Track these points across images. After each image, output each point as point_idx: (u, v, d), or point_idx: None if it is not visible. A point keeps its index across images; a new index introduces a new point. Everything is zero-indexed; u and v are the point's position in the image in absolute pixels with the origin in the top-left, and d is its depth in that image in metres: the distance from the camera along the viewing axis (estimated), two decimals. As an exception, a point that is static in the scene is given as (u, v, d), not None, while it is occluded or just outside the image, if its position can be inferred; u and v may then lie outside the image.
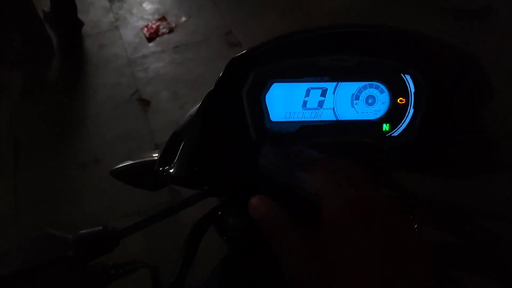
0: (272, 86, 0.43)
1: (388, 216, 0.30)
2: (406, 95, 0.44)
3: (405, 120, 0.44)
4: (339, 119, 0.45)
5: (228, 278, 0.47)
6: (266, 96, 0.43)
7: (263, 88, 0.43)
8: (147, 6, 2.66)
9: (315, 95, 0.44)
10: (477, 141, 0.42)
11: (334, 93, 0.44)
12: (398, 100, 0.44)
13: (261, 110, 0.44)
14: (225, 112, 0.42)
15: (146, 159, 0.57)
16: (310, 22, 2.45)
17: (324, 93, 0.44)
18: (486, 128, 0.40)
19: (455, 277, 0.45)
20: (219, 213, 0.51)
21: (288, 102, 0.44)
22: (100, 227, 0.39)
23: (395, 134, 0.45)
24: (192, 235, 0.48)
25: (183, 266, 0.45)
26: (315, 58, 0.42)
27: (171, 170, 0.40)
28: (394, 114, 0.44)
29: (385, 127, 0.45)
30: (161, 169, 0.42)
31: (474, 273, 0.41)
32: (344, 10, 2.49)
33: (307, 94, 0.44)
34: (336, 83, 0.44)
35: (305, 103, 0.45)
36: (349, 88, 0.44)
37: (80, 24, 2.48)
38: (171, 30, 2.48)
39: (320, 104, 0.45)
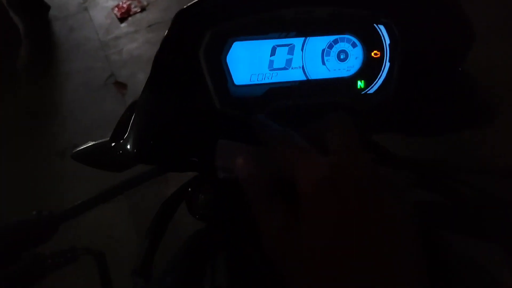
0: (233, 45, 0.39)
1: (368, 184, 0.27)
2: (380, 48, 0.40)
3: (381, 75, 0.41)
4: (310, 78, 0.41)
5: (198, 251, 0.43)
6: (227, 57, 0.39)
7: (223, 48, 0.39)
8: (116, -16, 2.54)
9: (282, 53, 0.40)
10: (457, 95, 0.38)
11: (302, 49, 0.40)
12: (373, 53, 0.40)
13: (222, 73, 0.39)
14: (181, 75, 0.37)
15: (105, 139, 0.53)
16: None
17: (291, 50, 0.40)
18: (467, 79, 0.37)
19: (443, 237, 0.43)
20: (189, 189, 0.47)
21: (253, 62, 0.40)
22: (34, 212, 0.35)
23: (371, 91, 0.41)
24: (159, 214, 0.44)
25: (150, 247, 0.42)
26: (279, 11, 0.38)
27: (124, 146, 0.36)
28: (368, 69, 0.41)
29: (360, 84, 0.41)
30: (113, 144, 0.38)
31: (462, 232, 0.39)
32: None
33: (273, 52, 0.40)
34: (304, 38, 0.40)
35: (271, 62, 0.40)
36: (318, 43, 0.40)
37: (46, 7, 2.36)
38: (143, 9, 2.37)
39: (288, 63, 0.40)
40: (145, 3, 2.40)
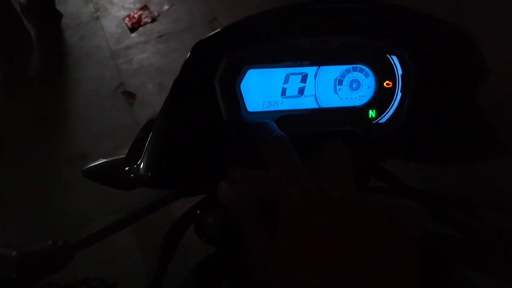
0: (247, 73, 0.39)
1: (352, 210, 0.27)
2: (393, 78, 0.40)
3: (392, 105, 0.41)
4: (322, 106, 0.41)
5: (205, 277, 0.43)
6: (241, 84, 0.40)
7: (238, 75, 0.39)
8: (128, -5, 2.58)
9: (295, 81, 0.41)
10: (471, 125, 0.38)
11: (315, 78, 0.41)
12: (385, 83, 0.41)
13: (236, 99, 0.40)
14: (196, 103, 0.38)
15: (119, 156, 0.53)
16: (297, 6, 2.39)
17: (304, 78, 0.40)
18: (481, 110, 0.37)
19: (458, 273, 0.42)
20: (198, 212, 0.47)
21: (266, 90, 0.41)
22: (49, 241, 0.35)
23: (382, 120, 0.42)
24: (168, 237, 0.45)
25: (159, 270, 0.42)
26: (293, 41, 0.38)
27: (137, 170, 0.37)
28: (380, 99, 0.41)
29: (371, 113, 0.42)
30: (127, 168, 0.38)
31: (476, 268, 0.39)
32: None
33: (286, 80, 0.40)
34: (317, 67, 0.40)
35: (284, 90, 0.41)
36: (331, 72, 0.41)
37: (58, 15, 2.39)
38: (153, 19, 2.40)
39: (301, 91, 0.41)
40: (156, 13, 2.43)
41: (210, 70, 0.37)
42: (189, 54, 0.34)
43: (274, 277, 0.27)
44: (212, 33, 0.33)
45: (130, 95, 2.07)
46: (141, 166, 0.36)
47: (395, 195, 0.45)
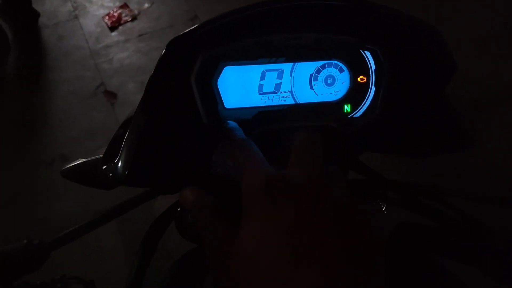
0: (223, 70, 0.40)
1: (317, 197, 0.27)
2: (366, 73, 0.41)
3: (366, 100, 0.42)
4: (298, 102, 0.42)
5: (187, 272, 0.44)
6: (218, 81, 0.40)
7: (214, 72, 0.39)
8: (107, -7, 2.53)
9: (271, 77, 0.41)
10: (442, 118, 0.40)
11: (291, 74, 0.41)
12: (359, 78, 0.42)
13: (213, 96, 0.40)
14: (172, 100, 0.38)
15: (98, 156, 0.53)
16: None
17: (280, 75, 0.41)
18: (450, 103, 0.38)
19: (429, 258, 0.44)
20: (178, 209, 0.47)
21: (243, 86, 0.41)
22: (24, 241, 0.35)
23: (357, 115, 0.43)
24: (149, 234, 0.45)
25: (139, 267, 0.42)
26: (268, 37, 0.39)
27: (114, 169, 0.36)
28: (355, 94, 0.42)
29: (346, 108, 0.42)
30: (104, 167, 0.38)
31: (446, 255, 0.40)
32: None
33: (263, 77, 0.41)
34: (292, 63, 0.41)
35: (261, 86, 0.41)
36: (306, 68, 0.41)
37: (35, 14, 2.34)
38: (134, 18, 2.37)
39: (277, 87, 0.42)
40: (136, 12, 2.40)
41: (186, 67, 0.37)
42: (163, 51, 0.34)
43: (234, 273, 0.26)
44: (186, 30, 0.34)
45: (111, 95, 2.04)
46: (118, 164, 0.36)
47: (370, 186, 0.46)
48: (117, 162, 0.36)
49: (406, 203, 0.44)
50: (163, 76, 0.36)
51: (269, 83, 0.41)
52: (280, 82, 0.41)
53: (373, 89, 0.41)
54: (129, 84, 2.08)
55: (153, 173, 0.38)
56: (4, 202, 1.71)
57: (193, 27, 0.34)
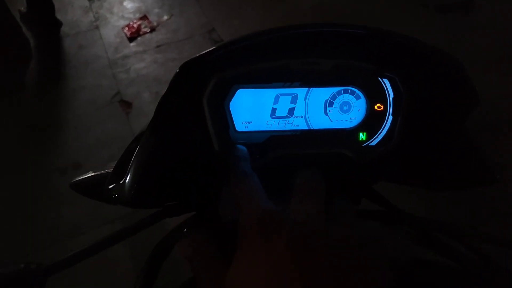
0: (236, 93, 0.39)
1: (313, 239, 0.26)
2: (384, 101, 0.40)
3: (383, 129, 0.40)
4: (311, 128, 0.41)
5: None
6: (230, 103, 0.39)
7: (227, 94, 0.39)
8: (128, 4, 2.59)
9: (285, 102, 0.40)
10: (461, 152, 0.38)
11: (305, 99, 0.40)
12: (376, 106, 0.40)
13: (224, 119, 0.39)
14: (183, 121, 0.37)
15: (109, 170, 0.52)
16: (296, 16, 2.41)
17: (294, 99, 0.40)
18: (472, 137, 0.36)
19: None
20: (185, 230, 0.46)
21: (255, 109, 0.40)
22: (21, 264, 0.34)
23: (373, 143, 0.41)
24: (153, 255, 0.44)
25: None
26: (285, 62, 0.38)
27: (121, 190, 0.36)
28: (371, 122, 0.40)
29: (362, 136, 0.41)
30: (110, 186, 0.38)
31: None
32: (327, 5, 2.46)
33: (276, 101, 0.40)
34: (308, 88, 0.40)
35: (273, 110, 0.40)
36: (322, 94, 0.40)
37: (58, 24, 2.40)
38: (152, 29, 2.42)
39: (291, 111, 0.40)
40: (155, 24, 2.45)
41: (199, 88, 0.37)
42: (176, 73, 0.34)
43: None
44: (201, 53, 0.33)
45: (126, 104, 2.07)
46: (125, 185, 0.35)
47: (384, 219, 0.44)
48: (123, 184, 0.35)
49: (421, 239, 0.42)
50: (174, 97, 0.35)
51: (283, 107, 0.40)
52: (294, 107, 0.40)
53: (390, 118, 0.40)
54: (144, 94, 2.10)
55: (160, 195, 0.37)
56: (15, 209, 1.72)
57: (208, 50, 0.33)
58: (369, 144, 0.41)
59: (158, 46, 2.33)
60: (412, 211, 0.44)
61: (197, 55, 0.33)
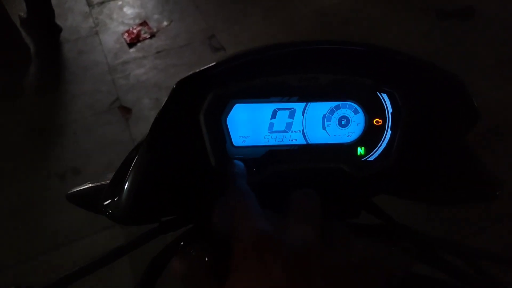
0: (234, 107, 0.39)
1: (308, 261, 0.26)
2: (382, 115, 0.40)
3: (381, 143, 0.40)
4: (309, 142, 0.41)
5: None
6: (228, 118, 0.39)
7: (224, 109, 0.38)
8: (128, 10, 2.60)
9: (283, 116, 0.40)
10: (461, 166, 0.37)
11: (303, 114, 0.40)
12: (374, 121, 0.40)
13: (221, 134, 0.39)
14: (180, 136, 0.37)
15: (104, 182, 0.52)
16: (295, 22, 2.42)
17: (292, 114, 0.40)
18: (471, 153, 0.36)
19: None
20: (182, 244, 0.45)
21: (253, 124, 0.40)
22: (12, 287, 0.34)
23: (371, 158, 0.41)
24: (149, 269, 0.43)
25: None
26: (282, 77, 0.38)
27: (115, 208, 0.35)
28: (369, 136, 0.40)
29: (360, 151, 0.41)
30: (104, 203, 0.37)
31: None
32: (328, 9, 2.47)
33: (274, 115, 0.40)
34: (305, 103, 0.39)
35: (271, 125, 0.40)
36: (320, 108, 0.40)
37: (58, 29, 2.41)
38: (152, 35, 2.42)
39: (288, 126, 0.40)
40: (154, 29, 2.45)
41: (195, 103, 0.36)
42: (172, 89, 0.33)
43: None
44: (197, 70, 0.33)
45: (126, 110, 2.06)
46: (120, 203, 0.35)
47: (383, 232, 0.44)
48: (118, 201, 0.35)
49: (420, 253, 0.41)
50: (171, 113, 0.35)
51: (280, 122, 0.40)
52: (292, 121, 0.40)
53: (389, 132, 0.40)
54: (144, 100, 2.10)
55: (154, 212, 0.37)
56: (13, 213, 1.72)
57: (205, 67, 0.33)
58: (368, 159, 0.41)
59: (158, 52, 2.33)
60: (412, 220, 0.43)
61: (195, 71, 0.33)
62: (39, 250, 1.58)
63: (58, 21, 2.41)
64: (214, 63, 0.34)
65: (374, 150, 0.40)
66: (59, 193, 1.75)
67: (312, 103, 0.39)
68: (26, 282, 0.34)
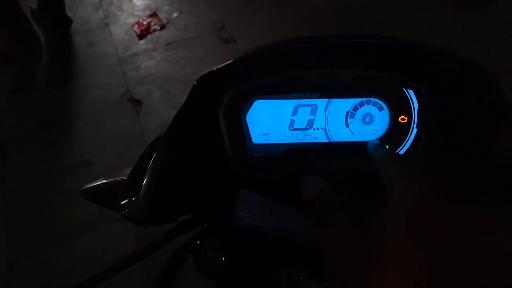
0: (254, 104, 0.37)
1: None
2: (408, 113, 0.38)
3: (407, 141, 0.39)
4: (332, 140, 0.39)
5: None
6: (247, 114, 0.38)
7: (244, 105, 0.37)
8: (138, 2, 2.58)
9: (304, 113, 0.38)
10: (490, 169, 0.36)
11: (325, 111, 0.38)
12: (399, 118, 0.38)
13: (241, 131, 0.38)
14: (199, 133, 0.36)
15: (118, 178, 0.51)
16: (307, 12, 2.38)
17: (314, 111, 0.38)
18: (504, 154, 0.34)
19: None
20: (198, 242, 0.45)
21: (273, 121, 0.39)
22: None
23: None
24: (166, 268, 0.42)
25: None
26: (304, 73, 0.36)
27: (133, 207, 0.34)
28: (394, 134, 0.39)
29: None
30: (122, 203, 0.36)
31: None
32: (339, 2, 2.42)
33: (295, 112, 0.38)
34: (328, 99, 0.38)
35: (292, 122, 0.39)
36: (343, 105, 0.38)
37: (68, 21, 2.40)
38: (162, 27, 2.40)
39: (310, 123, 0.39)
40: (164, 21, 2.43)
41: (215, 100, 0.35)
42: (193, 86, 0.32)
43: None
44: (219, 66, 0.32)
45: (136, 103, 2.06)
46: (137, 203, 0.34)
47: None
48: (135, 201, 0.34)
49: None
50: (191, 110, 0.34)
51: (302, 119, 0.38)
52: (314, 119, 0.38)
53: (415, 130, 0.38)
54: (154, 92, 2.09)
55: (172, 210, 0.36)
56: (26, 206, 1.74)
57: (226, 64, 0.31)
58: None
59: (168, 44, 2.32)
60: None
61: (215, 68, 0.32)
62: (53, 241, 1.60)
63: (69, 13, 2.40)
64: (233, 60, 0.32)
65: (399, 148, 0.39)
66: (72, 186, 1.77)
67: (335, 99, 0.38)
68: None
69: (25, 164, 1.88)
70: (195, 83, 0.31)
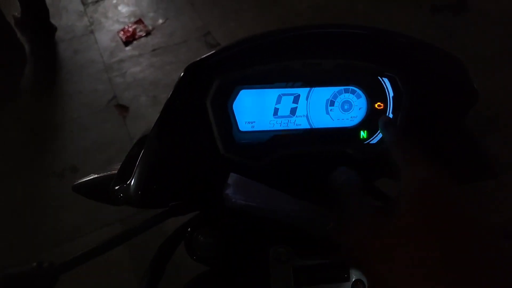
0: (239, 93, 0.40)
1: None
2: (384, 99, 0.41)
3: None
4: (313, 127, 0.42)
5: None
6: (234, 104, 0.40)
7: (230, 95, 0.39)
8: (123, 8, 2.59)
9: (287, 101, 0.41)
10: (460, 148, 0.39)
11: (307, 99, 0.41)
12: (376, 105, 0.41)
13: (228, 119, 0.40)
14: (188, 122, 0.38)
15: (110, 172, 0.53)
16: (291, 17, 2.42)
17: (296, 99, 0.41)
18: (471, 133, 0.37)
19: None
20: (189, 229, 0.46)
21: (258, 109, 0.41)
22: (34, 263, 0.35)
23: (373, 141, 0.42)
24: (158, 256, 0.44)
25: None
26: (286, 63, 0.39)
27: (127, 190, 0.36)
28: (371, 120, 0.41)
29: (363, 134, 0.42)
30: (116, 188, 0.38)
31: None
32: (323, 4, 2.48)
33: (279, 100, 0.41)
34: (309, 88, 0.40)
35: (276, 110, 0.41)
36: (323, 93, 0.41)
37: (53, 29, 2.39)
38: (148, 33, 2.42)
39: (293, 111, 0.41)
40: (150, 27, 2.45)
41: (202, 90, 0.37)
42: (181, 75, 0.34)
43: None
44: (204, 55, 0.34)
45: (123, 108, 2.06)
46: (130, 187, 0.36)
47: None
48: (129, 184, 0.36)
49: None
50: (179, 99, 0.36)
51: (285, 107, 0.41)
52: (296, 107, 0.41)
53: (391, 116, 0.41)
54: (141, 98, 2.10)
55: (165, 194, 0.38)
56: (13, 212, 1.71)
57: (211, 53, 0.34)
58: (370, 142, 0.42)
59: (154, 50, 2.33)
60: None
61: (202, 57, 0.34)
62: (41, 247, 1.58)
63: (53, 21, 2.40)
64: (219, 48, 0.35)
65: (376, 133, 0.42)
66: (58, 191, 1.75)
67: (315, 88, 0.40)
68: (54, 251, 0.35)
69: (10, 171, 1.86)
70: (182, 72, 0.33)
